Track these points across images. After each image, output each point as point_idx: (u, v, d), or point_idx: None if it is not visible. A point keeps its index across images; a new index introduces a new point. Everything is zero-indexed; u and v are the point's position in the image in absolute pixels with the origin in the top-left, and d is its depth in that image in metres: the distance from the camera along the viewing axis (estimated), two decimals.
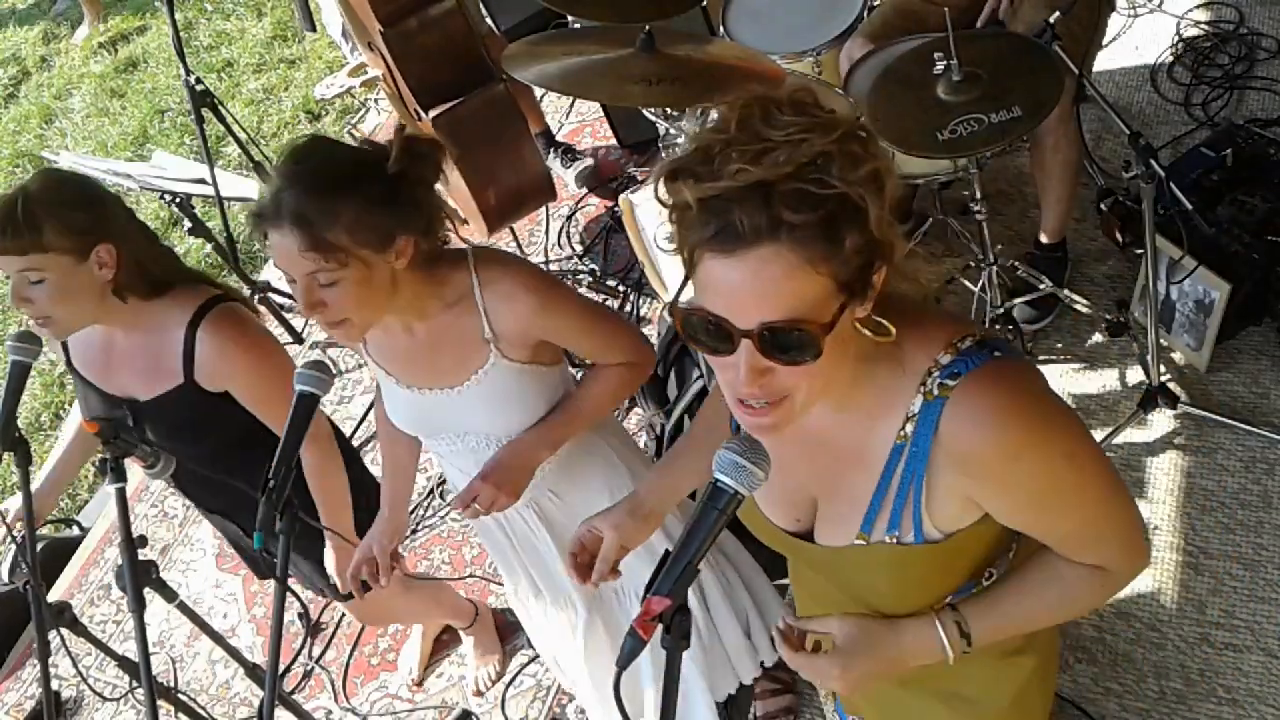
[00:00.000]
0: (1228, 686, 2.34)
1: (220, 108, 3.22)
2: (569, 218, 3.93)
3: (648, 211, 2.68)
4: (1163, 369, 2.73)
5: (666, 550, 1.13)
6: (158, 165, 3.66)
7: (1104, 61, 3.48)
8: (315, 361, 1.67)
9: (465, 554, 3.20)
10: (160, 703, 1.94)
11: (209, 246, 3.68)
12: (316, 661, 3.11)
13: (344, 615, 3.18)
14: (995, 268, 2.82)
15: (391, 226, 1.61)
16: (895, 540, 1.24)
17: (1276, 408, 2.71)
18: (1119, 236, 2.94)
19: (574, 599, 2.14)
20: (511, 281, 1.75)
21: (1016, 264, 2.98)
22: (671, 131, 2.79)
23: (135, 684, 2.52)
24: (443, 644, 3.02)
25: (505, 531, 2.09)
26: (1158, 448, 2.73)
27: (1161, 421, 2.76)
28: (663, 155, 3.09)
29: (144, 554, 1.80)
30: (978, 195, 2.70)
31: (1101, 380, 2.91)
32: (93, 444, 2.30)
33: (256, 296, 3.46)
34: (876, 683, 1.39)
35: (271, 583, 2.78)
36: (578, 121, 4.35)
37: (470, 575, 3.13)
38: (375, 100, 4.86)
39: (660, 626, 1.11)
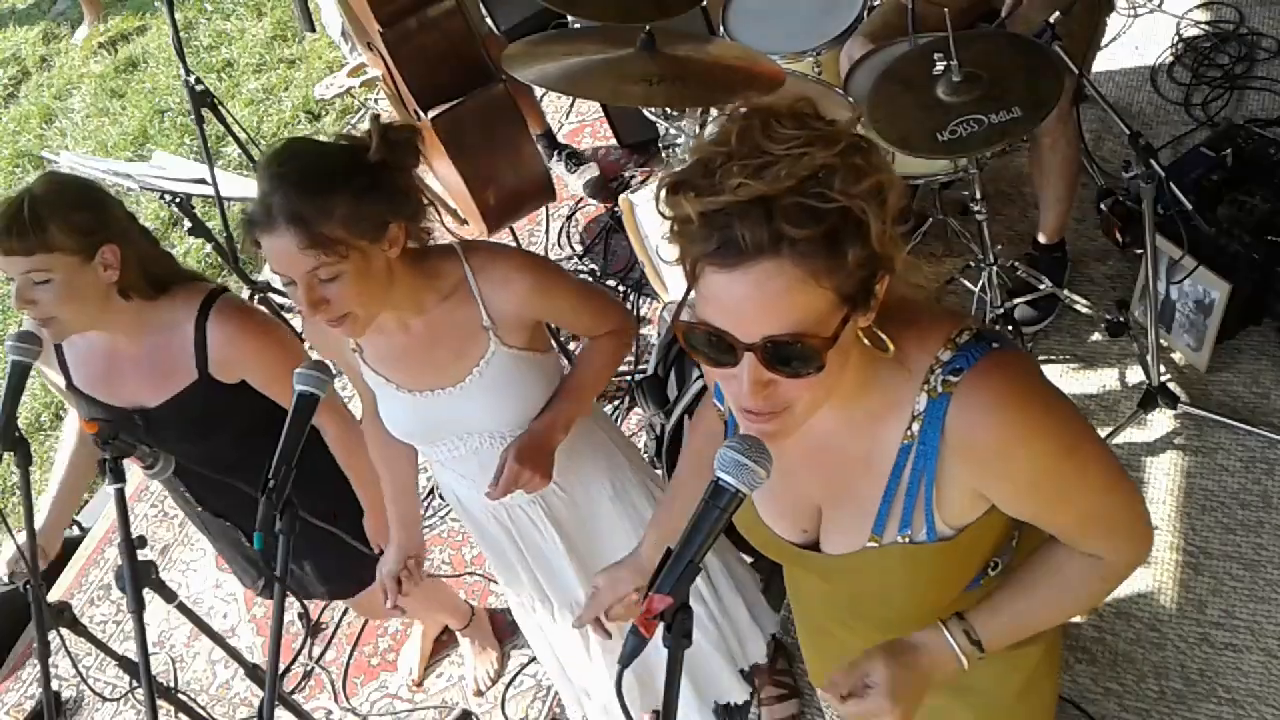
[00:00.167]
0: (1228, 686, 2.35)
1: (220, 108, 3.21)
2: (569, 218, 3.94)
3: (648, 212, 2.68)
4: (1163, 369, 2.73)
5: (668, 549, 1.13)
6: (158, 165, 3.65)
7: (1104, 61, 3.48)
8: (315, 362, 1.68)
9: (465, 554, 3.20)
10: (160, 703, 1.94)
11: (209, 246, 3.68)
12: (316, 661, 3.11)
13: (344, 616, 3.18)
14: (995, 268, 2.82)
15: (383, 214, 1.64)
16: (908, 540, 1.25)
17: (1276, 408, 2.71)
18: (1119, 236, 2.94)
19: (580, 601, 2.14)
20: (504, 265, 1.78)
21: (1016, 264, 2.98)
22: (671, 131, 2.80)
23: (135, 684, 2.52)
24: (442, 644, 3.03)
25: (511, 535, 2.09)
26: (1158, 448, 2.74)
27: (1161, 421, 2.77)
28: (663, 155, 3.09)
29: (144, 554, 1.79)
30: (978, 195, 2.70)
31: (1101, 380, 2.91)
32: (91, 463, 2.30)
33: (256, 297, 3.45)
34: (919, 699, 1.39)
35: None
36: (578, 121, 4.35)
37: (470, 574, 3.13)
38: (375, 100, 4.86)
39: (661, 624, 1.11)
